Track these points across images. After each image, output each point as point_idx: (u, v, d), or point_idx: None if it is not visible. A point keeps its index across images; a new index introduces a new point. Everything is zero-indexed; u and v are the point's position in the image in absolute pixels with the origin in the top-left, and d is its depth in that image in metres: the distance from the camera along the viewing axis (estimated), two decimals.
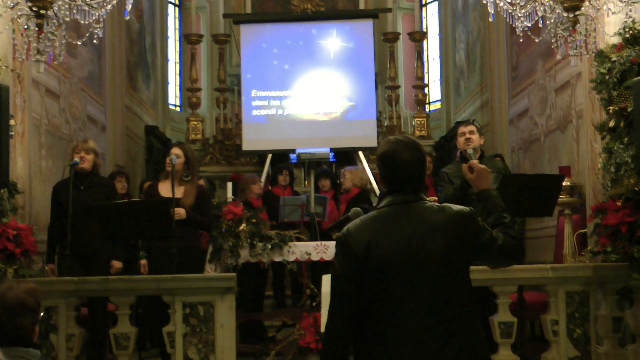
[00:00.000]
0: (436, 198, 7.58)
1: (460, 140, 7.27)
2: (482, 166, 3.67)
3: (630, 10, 6.24)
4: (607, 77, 6.53)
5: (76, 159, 7.32)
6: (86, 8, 6.20)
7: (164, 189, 7.42)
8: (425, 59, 15.48)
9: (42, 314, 4.01)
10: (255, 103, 13.35)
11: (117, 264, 7.64)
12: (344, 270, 3.29)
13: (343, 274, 3.29)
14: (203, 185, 7.94)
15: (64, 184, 7.35)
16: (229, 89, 14.42)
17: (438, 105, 15.68)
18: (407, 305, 3.22)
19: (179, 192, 7.36)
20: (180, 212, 7.25)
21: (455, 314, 3.24)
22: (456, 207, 3.38)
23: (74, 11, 6.19)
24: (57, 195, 7.40)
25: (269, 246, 8.15)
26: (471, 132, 7.24)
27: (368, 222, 3.35)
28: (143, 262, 8.04)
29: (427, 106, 14.93)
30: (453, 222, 3.30)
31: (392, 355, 3.22)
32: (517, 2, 6.42)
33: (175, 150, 7.53)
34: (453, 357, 3.20)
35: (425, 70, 15.38)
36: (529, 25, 6.48)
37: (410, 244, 3.25)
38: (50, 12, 6.14)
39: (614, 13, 6.39)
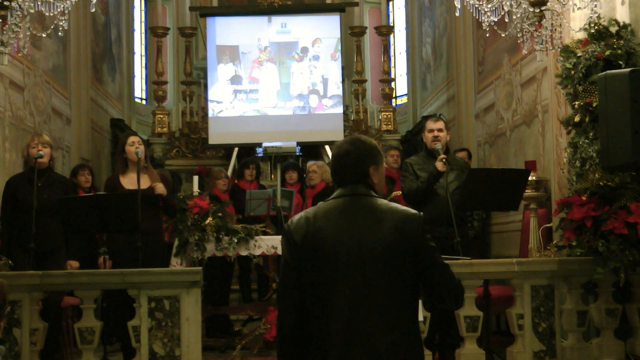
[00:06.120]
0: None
1: (429, 136, 7.28)
2: None
3: (596, 6, 6.27)
4: (572, 72, 6.57)
5: (41, 152, 7.16)
6: (51, 0, 6.14)
7: (127, 181, 7.34)
8: (391, 53, 15.53)
9: (7, 309, 3.95)
10: (221, 96, 13.30)
11: (74, 264, 7.38)
12: (286, 259, 3.35)
13: (285, 263, 3.36)
14: (164, 173, 7.91)
15: (21, 178, 7.23)
16: (195, 82, 14.35)
17: (405, 99, 15.72)
18: (343, 294, 3.23)
19: (145, 181, 7.33)
20: (161, 186, 7.33)
21: (393, 308, 3.24)
22: (404, 207, 3.38)
23: (39, 3, 6.13)
24: (14, 190, 7.16)
25: (235, 240, 8.14)
26: (439, 130, 7.27)
27: (311, 213, 3.39)
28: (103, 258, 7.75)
29: (393, 100, 14.94)
30: (397, 220, 3.29)
31: (326, 341, 3.24)
32: None
33: (138, 139, 7.50)
34: (387, 350, 3.20)
35: (392, 64, 15.42)
36: (495, 19, 6.50)
37: (351, 235, 3.27)
38: (14, 4, 6.07)
39: (579, 8, 6.44)
